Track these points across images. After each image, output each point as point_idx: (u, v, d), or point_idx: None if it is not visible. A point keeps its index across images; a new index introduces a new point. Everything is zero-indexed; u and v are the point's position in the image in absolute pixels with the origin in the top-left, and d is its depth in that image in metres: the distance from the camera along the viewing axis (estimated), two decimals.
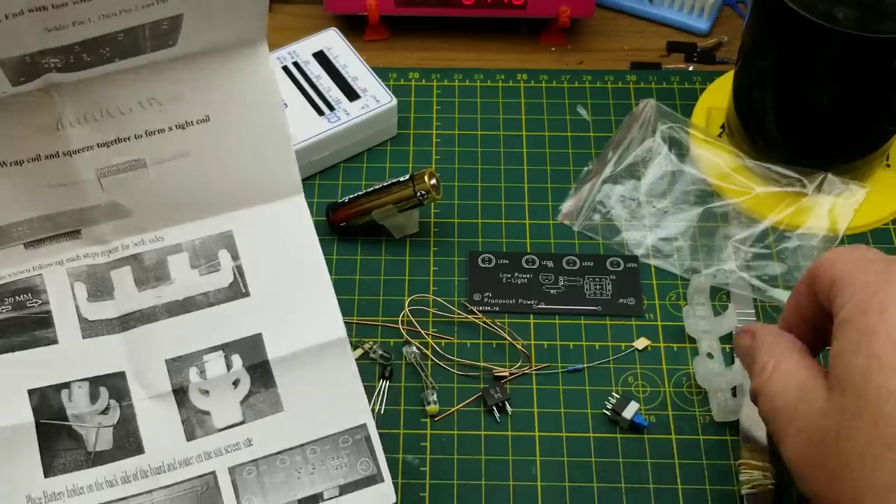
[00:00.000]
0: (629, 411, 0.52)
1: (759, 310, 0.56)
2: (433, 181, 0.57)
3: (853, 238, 0.60)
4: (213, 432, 0.42)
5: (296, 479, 0.42)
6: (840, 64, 0.55)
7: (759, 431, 0.50)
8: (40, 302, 0.42)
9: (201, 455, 0.42)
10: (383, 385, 0.54)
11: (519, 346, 0.55)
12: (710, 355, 0.54)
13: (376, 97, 0.63)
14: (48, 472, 0.41)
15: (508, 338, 0.55)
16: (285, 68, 0.65)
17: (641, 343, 0.55)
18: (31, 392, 0.41)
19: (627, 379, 0.54)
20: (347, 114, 0.62)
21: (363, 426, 0.43)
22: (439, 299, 0.56)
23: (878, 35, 0.52)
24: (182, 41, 0.41)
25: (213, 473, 0.42)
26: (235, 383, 0.43)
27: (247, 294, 0.43)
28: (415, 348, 0.55)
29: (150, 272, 0.43)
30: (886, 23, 0.52)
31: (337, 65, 0.65)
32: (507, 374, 0.54)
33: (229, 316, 0.43)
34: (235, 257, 0.44)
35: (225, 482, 0.42)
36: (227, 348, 0.43)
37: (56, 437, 0.41)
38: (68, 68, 0.40)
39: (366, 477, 0.43)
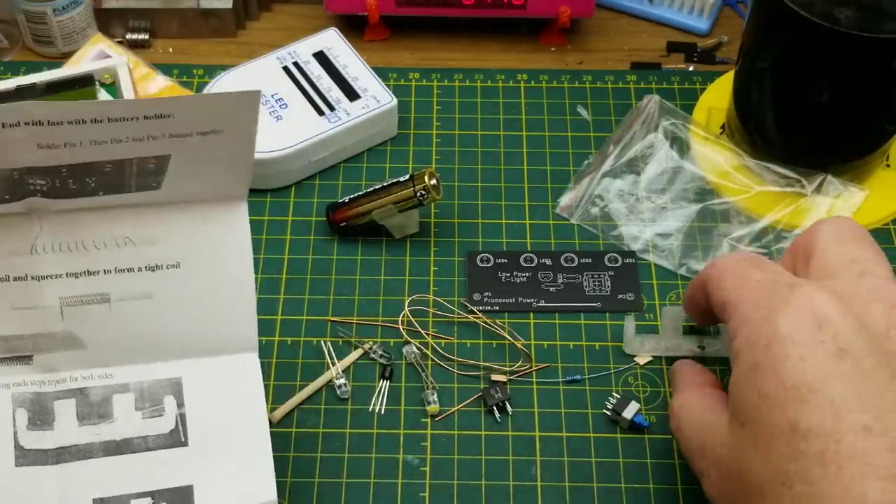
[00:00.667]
0: (629, 411, 0.52)
1: None
2: (433, 181, 0.57)
3: None
4: None
5: None
6: (840, 64, 0.55)
7: None
8: None
9: None
10: (383, 385, 0.54)
11: (519, 346, 0.55)
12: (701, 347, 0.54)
13: (376, 97, 0.63)
14: None
15: (509, 337, 0.55)
16: (285, 68, 0.65)
17: (643, 359, 0.54)
18: None
19: (627, 379, 0.54)
20: (347, 114, 0.62)
21: None
22: (439, 299, 0.56)
23: (877, 35, 0.52)
24: (166, 186, 0.41)
25: None
26: None
27: (185, 444, 0.43)
28: (415, 348, 0.55)
29: (94, 408, 0.43)
30: (886, 23, 0.52)
31: (337, 65, 0.65)
32: (505, 379, 0.54)
33: (164, 463, 0.42)
34: (181, 405, 0.43)
35: None
36: (157, 496, 0.42)
37: None
38: (53, 193, 0.40)
39: None
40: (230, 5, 0.70)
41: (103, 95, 0.58)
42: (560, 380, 0.54)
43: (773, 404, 0.38)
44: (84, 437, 0.42)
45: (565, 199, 0.62)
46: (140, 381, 0.43)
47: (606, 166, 0.62)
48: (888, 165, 0.63)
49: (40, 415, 0.42)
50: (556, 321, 0.56)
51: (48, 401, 0.43)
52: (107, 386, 0.43)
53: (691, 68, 0.71)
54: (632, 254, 0.59)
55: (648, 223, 0.60)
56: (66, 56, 0.67)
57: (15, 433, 0.42)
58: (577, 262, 0.58)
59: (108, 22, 0.70)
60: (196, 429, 0.43)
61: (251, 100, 0.39)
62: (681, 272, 0.58)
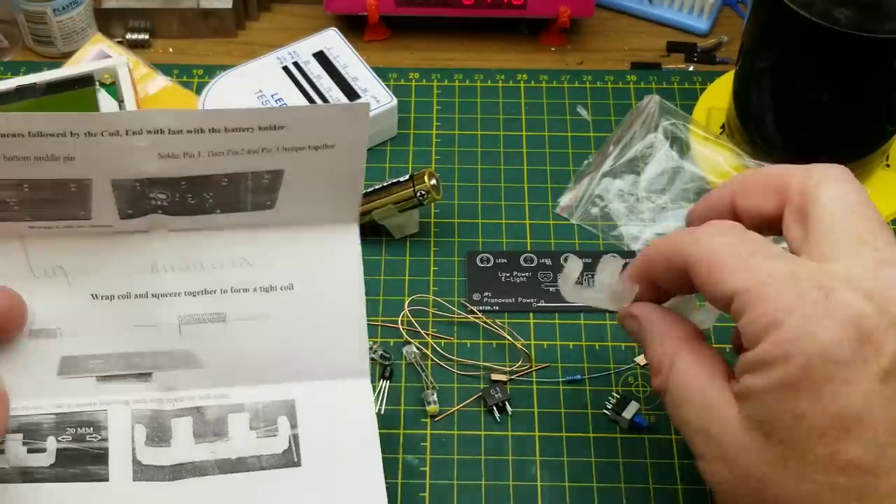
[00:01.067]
0: (629, 411, 0.52)
1: None
2: (433, 181, 0.57)
3: None
4: None
5: None
6: (840, 64, 0.55)
7: None
8: (99, 438, 0.42)
9: None
10: (383, 385, 0.54)
11: (519, 346, 0.55)
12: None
13: (376, 97, 0.63)
14: None
15: (509, 337, 0.55)
16: (285, 68, 0.65)
17: (643, 359, 0.54)
18: None
19: (627, 379, 0.54)
20: None
21: None
22: (439, 299, 0.56)
23: (877, 35, 0.52)
24: (280, 206, 0.42)
25: None
26: None
27: (298, 464, 0.43)
28: (415, 348, 0.55)
29: (209, 426, 0.43)
30: (886, 23, 0.52)
31: (337, 65, 0.65)
32: (505, 379, 0.54)
33: (277, 483, 0.43)
34: (294, 426, 0.44)
35: None
36: None
37: None
38: (172, 210, 0.41)
39: None
40: (230, 5, 0.70)
41: (103, 95, 0.58)
42: (560, 380, 0.54)
43: (810, 429, 0.35)
44: (200, 454, 0.43)
45: (565, 199, 0.62)
46: (255, 401, 0.44)
47: (606, 166, 0.62)
48: (888, 165, 0.63)
49: (158, 431, 0.43)
50: (556, 321, 0.56)
51: (166, 418, 0.43)
52: (222, 405, 0.43)
53: (691, 68, 0.71)
54: (632, 254, 0.59)
55: (648, 223, 0.60)
56: (66, 56, 0.67)
57: (133, 449, 0.42)
58: None
59: (108, 22, 0.70)
60: (309, 450, 0.43)
61: (361, 112, 0.40)
62: None
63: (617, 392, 0.53)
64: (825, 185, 0.40)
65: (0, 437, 0.40)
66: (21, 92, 0.56)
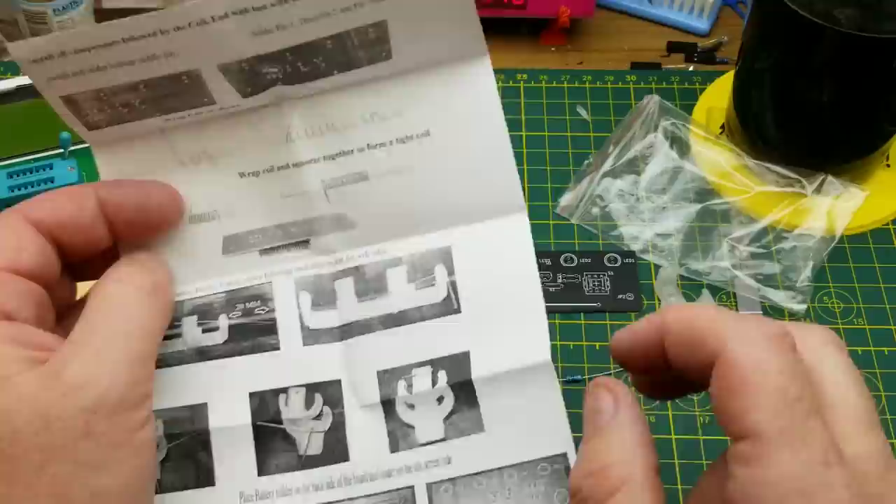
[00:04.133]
0: None
1: (765, 312, 0.56)
2: None
3: (853, 238, 0.60)
4: (415, 446, 0.42)
5: (490, 503, 0.42)
6: (840, 64, 0.55)
7: None
8: (267, 309, 0.43)
9: (402, 468, 0.42)
10: None
11: None
12: None
13: None
14: (262, 471, 0.42)
15: None
16: None
17: None
18: (251, 395, 0.42)
19: (627, 379, 0.54)
20: None
21: (563, 455, 0.42)
22: None
23: (878, 35, 0.52)
24: (396, 54, 0.41)
25: (411, 488, 0.42)
26: (439, 400, 0.42)
27: (458, 311, 0.43)
28: None
29: (370, 284, 0.43)
30: (886, 23, 0.52)
31: None
32: None
33: (439, 332, 0.43)
34: (451, 273, 0.43)
35: (422, 497, 0.42)
36: (435, 364, 0.43)
37: (271, 440, 0.42)
38: (290, 80, 0.41)
39: None
40: None
41: None
42: (560, 380, 0.54)
43: None
44: (364, 312, 0.43)
45: (565, 199, 0.62)
46: (410, 253, 0.44)
47: (606, 166, 0.62)
48: (888, 165, 0.63)
49: (322, 295, 0.43)
50: (556, 321, 0.56)
51: (328, 281, 0.44)
52: (380, 261, 0.44)
53: (691, 68, 0.71)
54: (631, 254, 0.59)
55: (648, 223, 0.60)
56: None
57: (300, 315, 0.43)
58: (576, 262, 0.58)
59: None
60: (468, 295, 0.43)
61: None
62: (681, 272, 0.58)
63: None
64: (757, 367, 0.31)
65: (166, 322, 0.41)
66: (21, 92, 0.56)
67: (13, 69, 0.68)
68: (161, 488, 0.41)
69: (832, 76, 0.56)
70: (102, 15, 0.70)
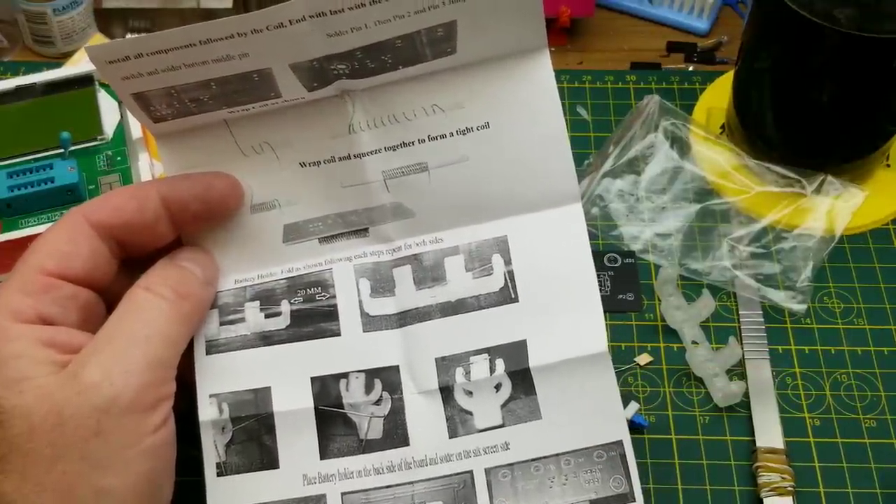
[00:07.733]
0: (629, 411, 0.52)
1: (766, 312, 0.56)
2: None
3: (853, 238, 0.60)
4: (473, 432, 0.43)
5: (547, 488, 0.42)
6: (840, 64, 0.55)
7: (775, 432, 0.50)
8: (328, 296, 0.44)
9: (461, 453, 0.43)
10: None
11: None
12: (695, 342, 0.54)
13: None
14: (323, 454, 0.43)
15: None
16: None
17: (644, 359, 0.54)
18: (313, 380, 0.43)
19: (627, 379, 0.54)
20: None
21: (619, 443, 0.42)
22: None
23: (877, 35, 0.52)
24: (461, 49, 0.42)
25: (470, 472, 0.42)
26: (497, 387, 0.43)
27: (515, 300, 0.44)
28: None
29: (428, 272, 0.44)
30: (886, 23, 0.52)
31: None
32: None
33: (497, 320, 0.44)
34: (508, 262, 0.44)
35: (480, 482, 0.42)
36: (492, 352, 0.43)
37: (332, 424, 0.43)
38: (355, 74, 0.42)
39: (617, 495, 0.42)
40: (230, 5, 0.70)
41: (103, 95, 0.57)
42: None
43: None
44: (422, 300, 0.44)
45: None
46: (468, 242, 0.45)
47: (606, 166, 0.62)
48: (888, 165, 0.63)
49: (381, 283, 0.44)
50: None
51: (387, 269, 0.45)
52: (438, 250, 0.45)
53: (691, 68, 0.71)
54: (631, 254, 0.59)
55: (648, 223, 0.60)
56: (66, 56, 0.67)
57: (360, 302, 0.44)
58: None
59: (108, 22, 0.70)
60: (525, 285, 0.44)
61: None
62: (681, 272, 0.58)
63: None
64: None
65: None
66: (21, 92, 0.56)
67: (13, 69, 0.68)
68: (227, 470, 0.42)
69: (832, 76, 0.56)
70: (102, 15, 0.70)
